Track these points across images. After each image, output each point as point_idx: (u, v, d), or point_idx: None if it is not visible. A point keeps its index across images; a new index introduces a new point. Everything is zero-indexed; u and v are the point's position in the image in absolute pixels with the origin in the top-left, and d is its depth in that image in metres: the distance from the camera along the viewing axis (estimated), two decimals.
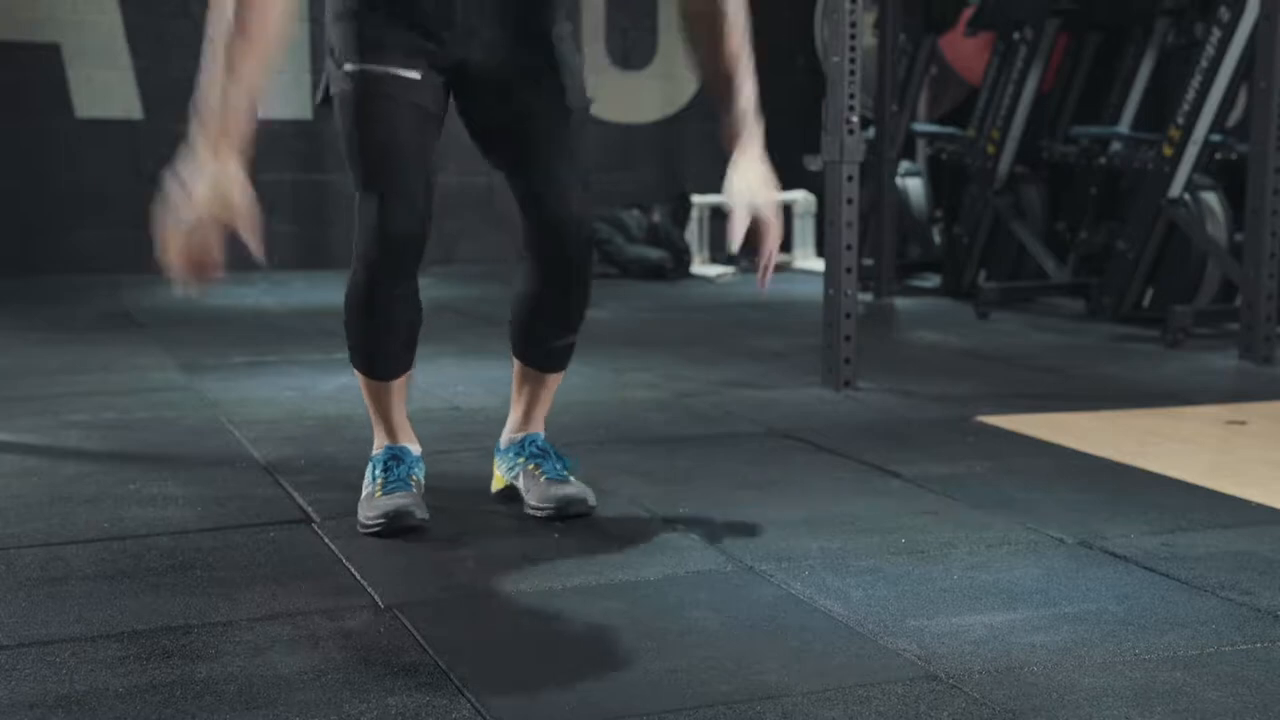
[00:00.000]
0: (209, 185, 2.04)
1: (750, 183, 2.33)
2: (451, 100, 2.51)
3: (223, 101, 2.08)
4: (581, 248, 2.52)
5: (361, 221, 2.44)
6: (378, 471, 2.55)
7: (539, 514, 2.57)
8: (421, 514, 2.47)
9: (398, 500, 2.47)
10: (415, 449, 2.61)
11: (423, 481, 2.60)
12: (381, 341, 2.52)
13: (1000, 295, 5.70)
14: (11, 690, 1.78)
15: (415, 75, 2.38)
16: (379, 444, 2.60)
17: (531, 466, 2.63)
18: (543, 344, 2.63)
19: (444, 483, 2.78)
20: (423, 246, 2.44)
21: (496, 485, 2.75)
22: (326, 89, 2.46)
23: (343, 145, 2.43)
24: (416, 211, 2.41)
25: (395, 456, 2.56)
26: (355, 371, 2.59)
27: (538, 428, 2.70)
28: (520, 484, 2.65)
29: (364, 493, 2.55)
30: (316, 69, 7.02)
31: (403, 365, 2.56)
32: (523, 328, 2.63)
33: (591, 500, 2.59)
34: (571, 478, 2.63)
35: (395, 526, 2.43)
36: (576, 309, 2.60)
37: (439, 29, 2.39)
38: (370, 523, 2.46)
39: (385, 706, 1.74)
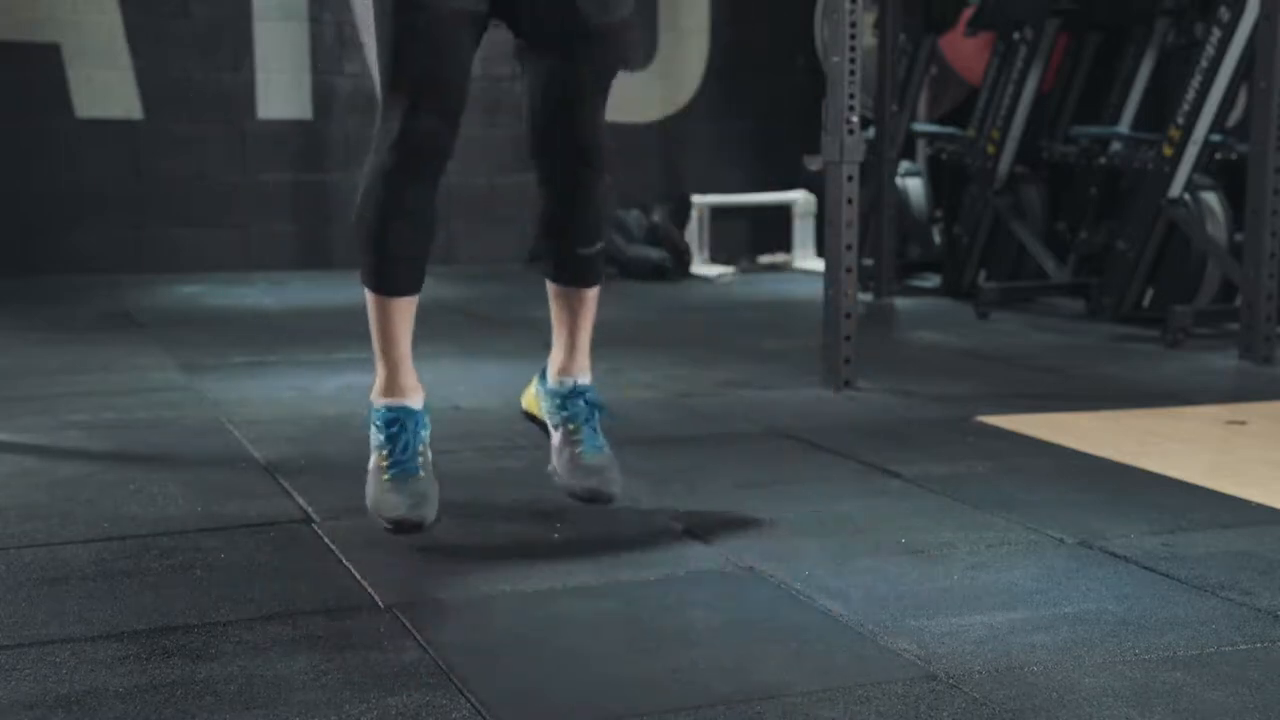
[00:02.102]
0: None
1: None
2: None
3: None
4: (598, 167, 2.51)
5: (385, 119, 2.36)
6: (382, 438, 2.46)
7: (565, 491, 2.58)
8: (429, 514, 2.39)
9: (405, 503, 2.38)
10: (418, 402, 2.49)
11: (429, 443, 2.49)
12: (392, 253, 2.43)
13: (1000, 295, 5.70)
14: (11, 690, 1.78)
15: None
16: (379, 392, 2.49)
17: (571, 428, 2.61)
18: (572, 255, 2.61)
19: (444, 482, 2.77)
20: (449, 153, 2.39)
21: (529, 407, 2.75)
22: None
23: (377, 42, 2.37)
24: (449, 109, 2.36)
25: (399, 420, 2.46)
26: (365, 290, 2.48)
27: (584, 368, 2.66)
28: (555, 439, 2.62)
29: (371, 463, 2.46)
30: (316, 69, 7.02)
31: (413, 282, 2.48)
32: (547, 248, 2.62)
33: (618, 491, 2.57)
34: (606, 454, 2.59)
35: (402, 533, 2.40)
36: (599, 217, 2.58)
37: None
38: (380, 520, 2.41)
39: (385, 706, 1.74)
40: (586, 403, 2.63)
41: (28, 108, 6.67)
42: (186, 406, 3.66)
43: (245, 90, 6.96)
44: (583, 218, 2.56)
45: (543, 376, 2.72)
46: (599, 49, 2.46)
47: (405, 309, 2.48)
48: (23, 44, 6.65)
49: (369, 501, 2.44)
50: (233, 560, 2.34)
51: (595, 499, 2.56)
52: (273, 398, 3.80)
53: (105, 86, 6.76)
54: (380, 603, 2.13)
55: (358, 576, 2.25)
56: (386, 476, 2.42)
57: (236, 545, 2.42)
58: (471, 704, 1.75)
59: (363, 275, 2.50)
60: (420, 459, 2.47)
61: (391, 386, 2.49)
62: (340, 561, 2.33)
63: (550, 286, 2.66)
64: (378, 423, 2.48)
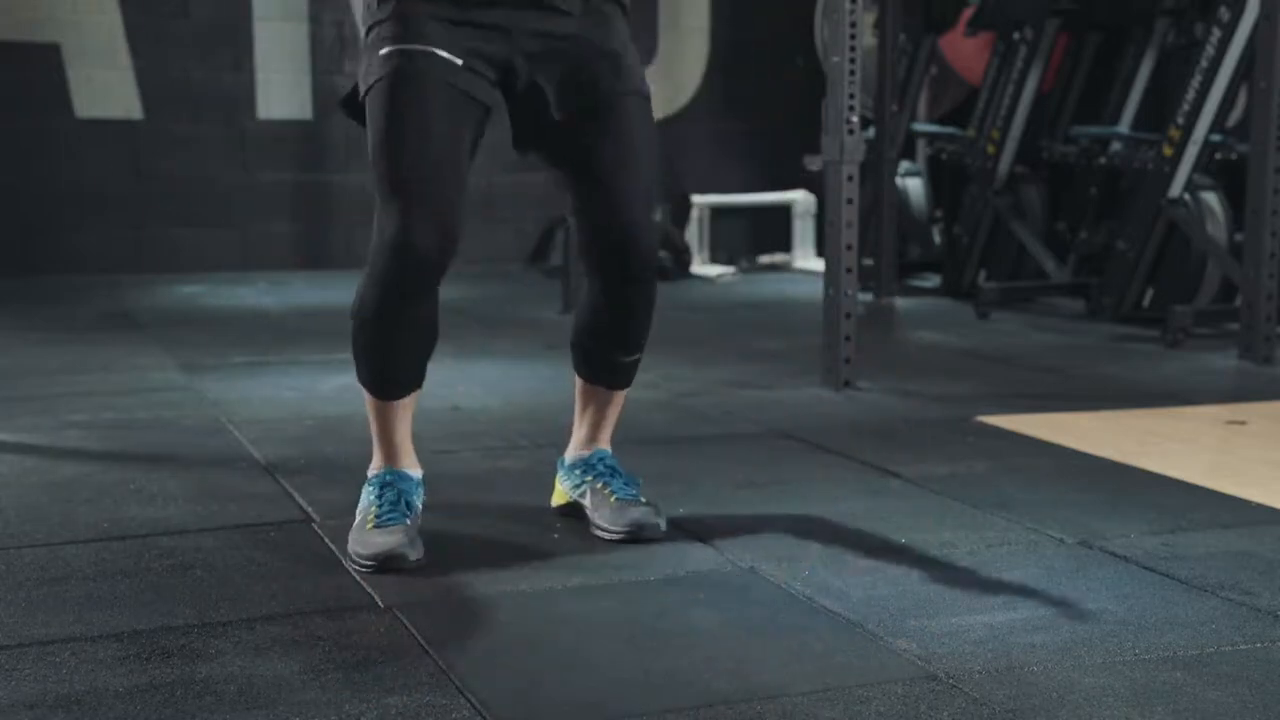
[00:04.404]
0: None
1: None
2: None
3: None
4: (648, 263, 2.42)
5: (380, 232, 2.25)
6: (372, 497, 2.38)
7: (609, 536, 2.45)
8: (414, 554, 2.28)
9: (390, 540, 2.27)
10: (415, 472, 2.43)
11: (420, 508, 2.41)
12: (391, 363, 2.37)
13: (1000, 295, 5.69)
14: (11, 690, 1.78)
15: (458, 61, 2.26)
16: (376, 465, 2.44)
17: (600, 485, 2.52)
18: (608, 363, 2.54)
19: (444, 483, 2.78)
20: (448, 262, 2.27)
21: (558, 500, 2.62)
22: (354, 91, 2.33)
23: (370, 141, 2.27)
24: (445, 225, 2.25)
25: (391, 482, 2.39)
26: (360, 385, 2.44)
27: (605, 444, 2.60)
28: (587, 502, 2.53)
29: (357, 519, 2.38)
30: (316, 69, 7.02)
31: (413, 383, 2.41)
32: (584, 349, 2.53)
33: (663, 524, 2.47)
34: (641, 497, 2.52)
35: (386, 569, 2.27)
36: (642, 329, 2.51)
37: (486, 19, 2.29)
38: (361, 562, 2.29)
39: (385, 706, 1.74)
40: (607, 464, 2.56)
41: (28, 108, 6.67)
42: (186, 406, 3.66)
43: (245, 90, 6.96)
44: (624, 327, 2.49)
45: (562, 464, 2.63)
46: (624, 121, 2.37)
47: (404, 405, 2.41)
48: (23, 44, 6.64)
49: (352, 547, 2.32)
50: (233, 560, 2.34)
51: (641, 529, 2.44)
52: (273, 398, 3.80)
53: (105, 86, 6.76)
54: (380, 603, 2.13)
55: (357, 577, 2.25)
56: (371, 525, 2.34)
57: (237, 545, 2.42)
58: (471, 704, 1.75)
59: (360, 377, 2.42)
60: (408, 516, 2.36)
61: (389, 459, 2.43)
62: (340, 562, 2.33)
63: (579, 381, 2.58)
64: (371, 485, 2.41)
